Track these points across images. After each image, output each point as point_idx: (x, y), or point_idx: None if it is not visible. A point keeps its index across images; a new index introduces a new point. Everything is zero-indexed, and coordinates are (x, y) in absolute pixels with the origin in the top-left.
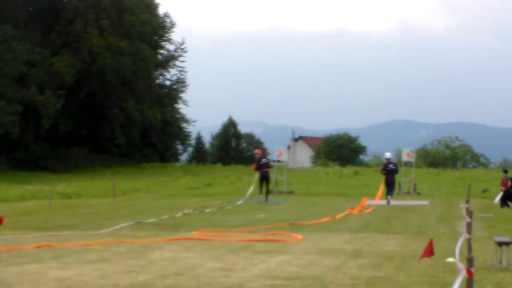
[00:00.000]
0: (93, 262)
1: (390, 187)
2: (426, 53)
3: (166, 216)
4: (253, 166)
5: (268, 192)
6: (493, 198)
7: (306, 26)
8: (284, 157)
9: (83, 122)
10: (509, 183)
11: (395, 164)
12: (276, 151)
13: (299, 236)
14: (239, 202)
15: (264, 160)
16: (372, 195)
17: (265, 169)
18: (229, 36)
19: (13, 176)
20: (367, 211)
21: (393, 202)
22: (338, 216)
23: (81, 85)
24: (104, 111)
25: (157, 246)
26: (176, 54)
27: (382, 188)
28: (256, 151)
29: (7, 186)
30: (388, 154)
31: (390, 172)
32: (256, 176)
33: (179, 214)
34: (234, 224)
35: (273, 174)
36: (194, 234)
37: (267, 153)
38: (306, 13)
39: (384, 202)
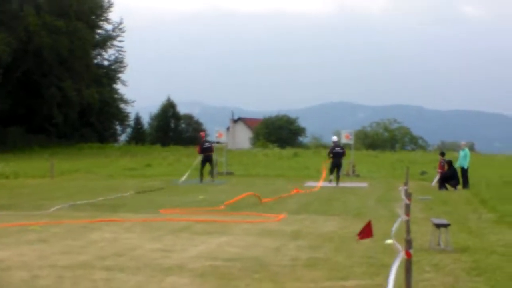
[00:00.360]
0: (31, 243)
1: (338, 169)
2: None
3: (103, 198)
4: (197, 149)
5: (213, 172)
6: (431, 181)
7: (245, 6)
8: (223, 139)
9: (20, 101)
10: (445, 166)
11: (342, 147)
12: (215, 132)
13: (280, 215)
14: (179, 183)
15: (207, 144)
16: (311, 177)
17: (208, 153)
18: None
19: None
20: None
21: (333, 184)
22: (281, 196)
23: (17, 63)
24: (41, 90)
25: (97, 227)
26: (114, 34)
27: (325, 171)
28: (201, 133)
29: None
30: (335, 138)
31: (337, 155)
32: (198, 158)
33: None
34: (174, 205)
35: (214, 157)
36: (160, 212)
37: (207, 134)
38: None
39: (326, 184)
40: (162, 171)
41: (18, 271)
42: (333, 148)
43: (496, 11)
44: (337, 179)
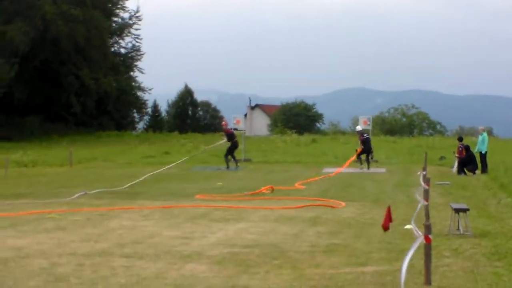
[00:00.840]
0: (50, 231)
1: (367, 155)
2: (379, 20)
3: (123, 185)
4: (225, 137)
5: (235, 159)
6: (451, 166)
7: None
8: (241, 125)
9: (37, 90)
10: (463, 151)
11: (367, 134)
12: (233, 119)
13: (343, 203)
14: (196, 169)
15: (233, 131)
16: (330, 163)
17: (235, 139)
18: (184, 3)
19: None
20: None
21: (350, 170)
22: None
23: (35, 52)
24: (59, 79)
25: (115, 215)
26: (131, 22)
27: (354, 157)
28: (224, 122)
29: None
30: (359, 127)
31: (367, 141)
32: (220, 143)
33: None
34: (191, 193)
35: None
36: (196, 198)
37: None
38: None
39: (348, 170)
40: (181, 158)
41: (37, 259)
42: (362, 134)
43: None
44: (368, 164)
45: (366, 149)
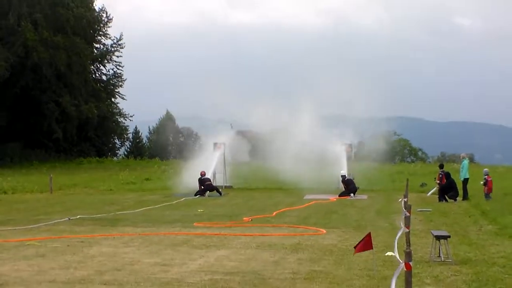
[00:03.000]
0: (29, 258)
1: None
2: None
3: (103, 212)
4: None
5: (219, 191)
6: (427, 192)
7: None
8: (222, 151)
9: (18, 116)
10: (444, 178)
11: (352, 181)
12: (214, 145)
13: (323, 230)
14: (178, 196)
15: (207, 184)
16: (311, 190)
17: (209, 188)
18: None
19: None
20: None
21: (330, 196)
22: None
23: (15, 79)
24: (40, 105)
25: (95, 241)
26: (113, 48)
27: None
28: (201, 172)
29: None
30: (342, 172)
31: (350, 182)
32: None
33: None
34: (172, 219)
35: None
36: (195, 225)
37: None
38: (239, 6)
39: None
40: (161, 185)
41: (16, 287)
42: (344, 179)
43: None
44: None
45: (351, 189)
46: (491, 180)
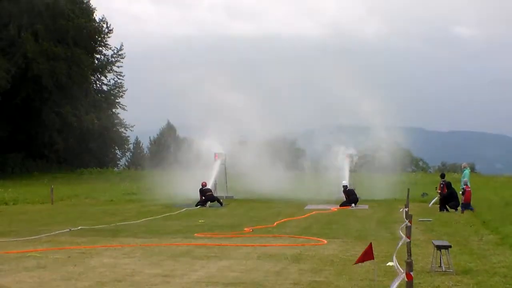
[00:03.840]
0: (30, 269)
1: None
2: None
3: (104, 223)
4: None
5: (219, 201)
6: (429, 202)
7: (237, 29)
8: (221, 161)
9: (19, 127)
10: (445, 188)
11: (353, 192)
12: (214, 154)
13: (324, 241)
14: (178, 207)
15: (208, 194)
16: (312, 201)
17: (210, 198)
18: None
19: None
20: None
21: (331, 206)
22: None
23: (16, 90)
24: (41, 116)
25: (96, 252)
26: (114, 59)
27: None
28: (203, 183)
29: None
30: (344, 182)
31: (351, 193)
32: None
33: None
34: (173, 230)
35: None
36: (195, 236)
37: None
38: (235, 17)
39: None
40: (162, 195)
41: None
42: (345, 189)
43: (494, 31)
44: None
45: (352, 200)
46: (469, 191)
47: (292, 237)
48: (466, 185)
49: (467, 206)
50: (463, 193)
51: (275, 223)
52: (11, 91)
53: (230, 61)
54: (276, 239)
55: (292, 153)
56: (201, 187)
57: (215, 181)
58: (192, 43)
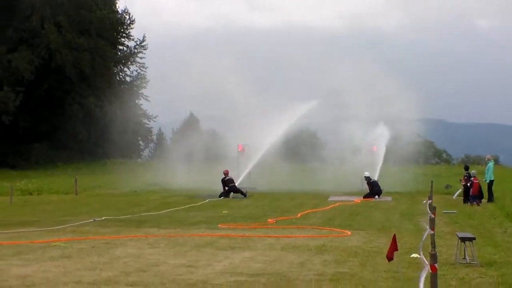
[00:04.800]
0: (55, 259)
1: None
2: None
3: (128, 213)
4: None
5: (243, 193)
6: (453, 194)
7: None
8: (244, 151)
9: (42, 118)
10: (468, 180)
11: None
12: (237, 145)
13: (348, 232)
14: (202, 198)
15: (231, 185)
16: (335, 192)
17: (232, 184)
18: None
19: None
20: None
21: (354, 198)
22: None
23: (40, 81)
24: (64, 107)
25: (121, 243)
26: (136, 50)
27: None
28: (225, 171)
29: None
30: (366, 173)
31: (375, 184)
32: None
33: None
34: (196, 221)
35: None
36: (219, 226)
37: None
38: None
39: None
40: (186, 186)
41: (42, 287)
42: (369, 180)
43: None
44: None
45: (376, 191)
46: (477, 183)
47: (315, 228)
48: (474, 177)
49: (475, 198)
50: (470, 186)
51: (298, 214)
52: (35, 82)
53: (252, 52)
54: (299, 231)
55: (313, 145)
56: (223, 176)
57: (249, 172)
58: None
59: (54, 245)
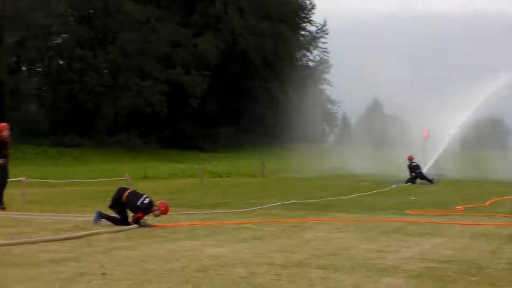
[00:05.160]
0: (247, 241)
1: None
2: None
3: (315, 197)
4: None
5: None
6: None
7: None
8: (430, 138)
9: (228, 102)
10: None
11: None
12: (423, 131)
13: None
14: (390, 183)
15: (418, 171)
16: None
17: (418, 171)
18: (369, 17)
19: (163, 155)
20: None
21: None
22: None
23: (225, 65)
24: (248, 91)
25: (309, 226)
26: (318, 35)
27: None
28: (409, 157)
29: (158, 164)
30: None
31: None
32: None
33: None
34: (384, 206)
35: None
36: (407, 212)
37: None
38: None
39: None
40: (372, 171)
41: (236, 268)
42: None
43: None
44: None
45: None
46: None
47: (507, 216)
48: None
49: None
50: None
51: (488, 202)
52: (220, 66)
53: (436, 39)
54: (489, 218)
55: (500, 133)
56: (408, 162)
57: (437, 158)
58: (395, 20)
59: (246, 227)
